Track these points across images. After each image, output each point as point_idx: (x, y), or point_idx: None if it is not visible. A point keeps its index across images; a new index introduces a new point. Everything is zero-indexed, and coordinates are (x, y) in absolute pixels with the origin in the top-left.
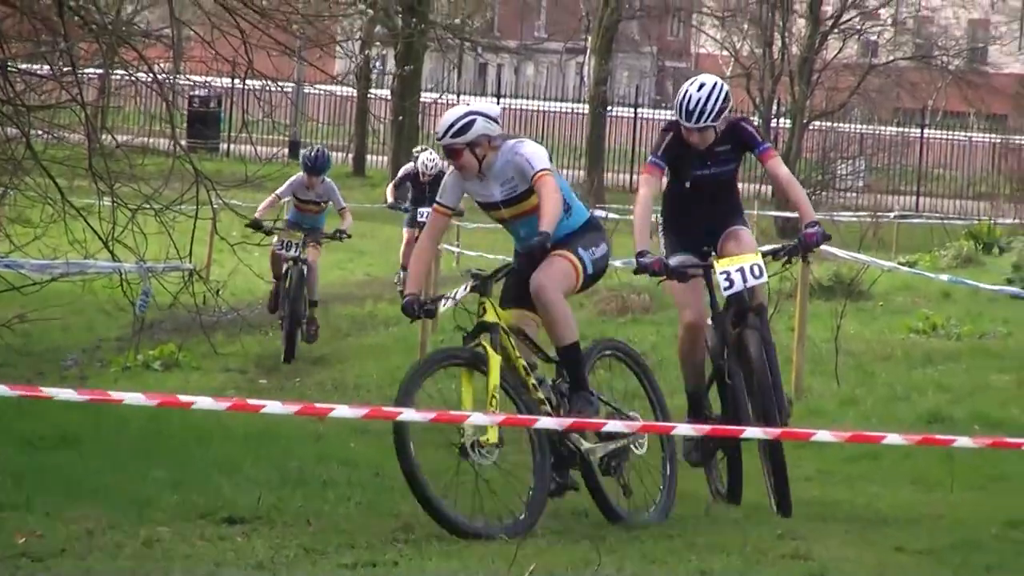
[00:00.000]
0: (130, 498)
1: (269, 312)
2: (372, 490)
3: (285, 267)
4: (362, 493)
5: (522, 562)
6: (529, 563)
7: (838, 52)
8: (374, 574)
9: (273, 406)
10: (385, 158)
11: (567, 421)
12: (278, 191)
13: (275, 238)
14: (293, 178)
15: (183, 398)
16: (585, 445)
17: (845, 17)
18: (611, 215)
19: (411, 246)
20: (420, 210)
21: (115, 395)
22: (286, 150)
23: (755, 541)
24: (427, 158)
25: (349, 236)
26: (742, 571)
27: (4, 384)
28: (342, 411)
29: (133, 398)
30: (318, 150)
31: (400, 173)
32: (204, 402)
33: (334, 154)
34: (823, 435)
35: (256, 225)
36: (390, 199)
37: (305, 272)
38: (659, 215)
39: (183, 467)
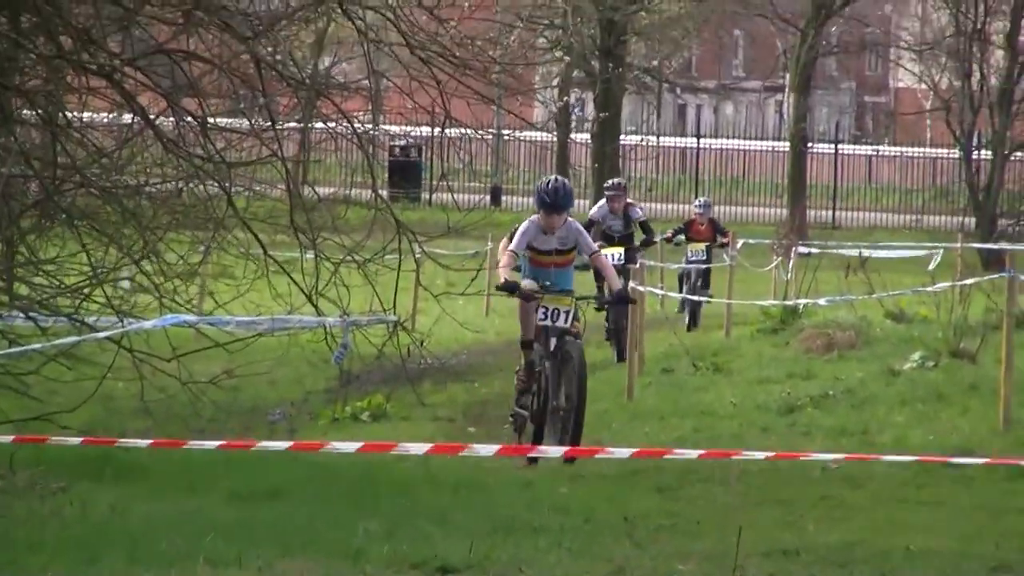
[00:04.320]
0: (342, 550)
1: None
2: (583, 535)
3: (552, 343)
4: (573, 539)
5: None
6: None
7: None
8: None
9: (477, 448)
10: (587, 202)
11: None
12: (511, 247)
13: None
14: (524, 225)
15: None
16: None
17: None
18: (814, 251)
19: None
20: None
21: (320, 445)
22: (488, 197)
23: (968, 575)
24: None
25: (634, 301)
26: None
27: (212, 439)
28: (550, 451)
29: (338, 446)
30: (558, 180)
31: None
32: (409, 447)
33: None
34: None
35: (510, 288)
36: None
37: (573, 358)
38: None
39: (394, 518)
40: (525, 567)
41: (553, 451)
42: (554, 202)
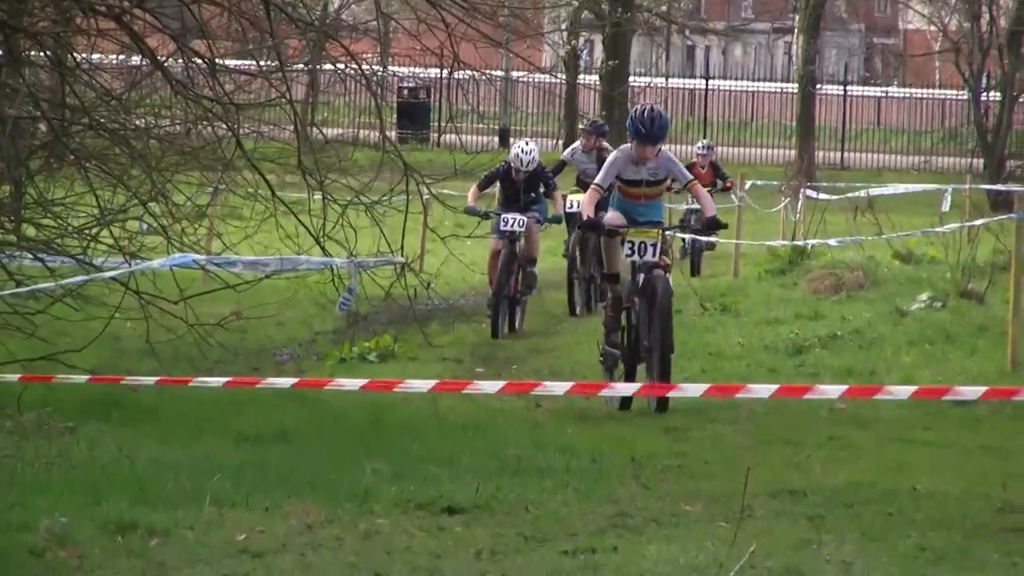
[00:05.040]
0: (348, 491)
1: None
2: (590, 476)
3: (641, 278)
4: (580, 480)
5: (741, 543)
6: (748, 544)
7: None
8: (593, 560)
9: (483, 385)
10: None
11: None
12: (597, 180)
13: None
14: (614, 156)
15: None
16: None
17: None
18: (822, 195)
19: (497, 259)
20: (505, 216)
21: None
22: (496, 139)
23: (974, 516)
24: (523, 149)
25: (725, 226)
26: (963, 547)
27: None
28: (551, 388)
29: (343, 383)
30: (654, 109)
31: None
32: (413, 384)
33: (544, 141)
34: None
35: (593, 225)
36: (470, 202)
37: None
38: None
39: (401, 459)
40: (532, 507)
41: (557, 387)
42: (649, 132)
